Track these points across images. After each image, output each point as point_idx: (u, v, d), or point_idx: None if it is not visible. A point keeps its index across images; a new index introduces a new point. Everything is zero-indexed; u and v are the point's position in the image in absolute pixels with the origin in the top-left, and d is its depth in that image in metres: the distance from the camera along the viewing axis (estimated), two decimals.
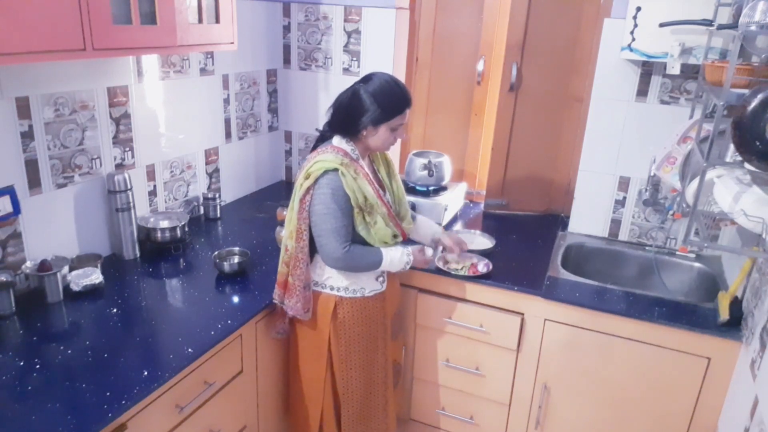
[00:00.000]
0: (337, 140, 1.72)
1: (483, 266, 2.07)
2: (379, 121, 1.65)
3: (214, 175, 2.56)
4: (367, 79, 1.68)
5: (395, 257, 1.74)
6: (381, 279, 1.83)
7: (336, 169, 1.63)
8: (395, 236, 1.78)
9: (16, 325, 1.61)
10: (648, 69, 2.18)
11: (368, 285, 1.79)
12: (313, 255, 1.76)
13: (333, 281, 1.77)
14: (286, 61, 2.84)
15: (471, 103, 2.84)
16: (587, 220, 2.45)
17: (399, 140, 1.76)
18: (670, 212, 2.15)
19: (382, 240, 1.74)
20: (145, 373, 1.42)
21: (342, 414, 1.89)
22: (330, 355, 1.82)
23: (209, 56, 2.39)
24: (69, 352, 1.50)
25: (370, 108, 1.64)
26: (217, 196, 2.47)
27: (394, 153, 2.81)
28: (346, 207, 1.65)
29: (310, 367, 1.87)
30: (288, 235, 1.73)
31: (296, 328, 1.86)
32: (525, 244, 2.40)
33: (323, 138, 1.78)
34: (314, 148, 1.78)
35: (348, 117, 1.68)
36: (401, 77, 2.71)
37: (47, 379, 1.38)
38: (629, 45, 2.02)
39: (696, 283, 2.22)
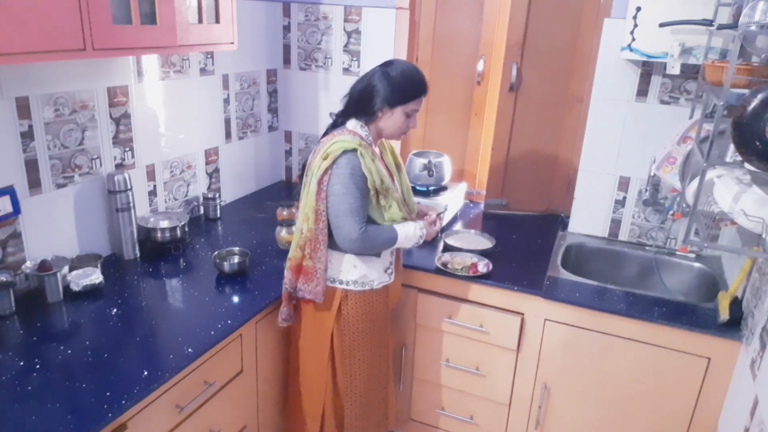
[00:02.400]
0: (351, 124, 1.73)
1: (483, 266, 2.07)
2: (397, 102, 1.68)
3: (214, 175, 2.56)
4: (388, 63, 1.72)
5: (410, 232, 1.76)
6: (390, 270, 1.84)
7: (355, 150, 1.64)
8: (405, 219, 1.79)
9: (16, 325, 1.61)
10: (648, 69, 2.18)
11: (377, 278, 1.80)
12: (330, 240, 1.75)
13: (343, 275, 1.76)
14: (286, 61, 2.83)
15: (471, 103, 2.84)
16: (587, 220, 2.45)
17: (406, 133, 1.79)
18: (670, 212, 2.15)
19: (394, 222, 1.76)
20: (145, 373, 1.42)
21: (345, 410, 1.89)
22: (332, 351, 1.82)
23: (209, 56, 2.39)
24: (69, 352, 1.49)
25: (389, 88, 1.67)
26: (217, 196, 2.47)
27: None
28: (363, 188, 1.66)
29: (311, 363, 1.87)
30: (304, 218, 1.70)
31: (297, 327, 1.86)
32: (525, 244, 2.40)
33: (335, 125, 1.78)
34: (326, 133, 1.78)
35: (366, 96, 1.69)
36: None
37: (47, 379, 1.38)
38: (629, 45, 2.02)
39: (696, 283, 2.22)
